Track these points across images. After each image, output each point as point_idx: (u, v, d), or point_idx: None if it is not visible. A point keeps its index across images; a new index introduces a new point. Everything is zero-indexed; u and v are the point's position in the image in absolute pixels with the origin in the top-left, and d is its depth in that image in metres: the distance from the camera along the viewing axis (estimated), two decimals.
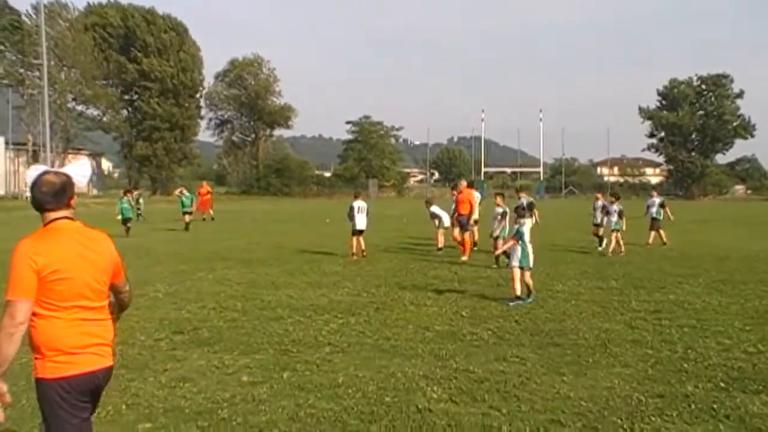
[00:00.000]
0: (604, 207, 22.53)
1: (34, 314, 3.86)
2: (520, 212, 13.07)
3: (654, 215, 24.48)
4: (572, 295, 13.21)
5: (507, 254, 13.31)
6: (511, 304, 11.97)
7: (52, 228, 4.04)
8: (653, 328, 10.28)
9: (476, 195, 21.49)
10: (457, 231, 19.73)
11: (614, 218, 21.25)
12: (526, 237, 12.61)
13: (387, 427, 6.12)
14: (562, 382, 7.48)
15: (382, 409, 6.59)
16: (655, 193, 27.69)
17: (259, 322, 10.66)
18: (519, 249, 12.44)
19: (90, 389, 4.08)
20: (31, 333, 3.91)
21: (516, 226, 12.96)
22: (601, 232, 22.37)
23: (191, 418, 6.35)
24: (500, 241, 16.87)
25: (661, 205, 24.84)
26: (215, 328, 10.16)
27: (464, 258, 18.80)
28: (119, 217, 27.18)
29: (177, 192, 35.09)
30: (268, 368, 7.99)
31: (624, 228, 21.30)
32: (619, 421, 6.32)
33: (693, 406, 6.73)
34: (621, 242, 20.92)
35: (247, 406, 6.68)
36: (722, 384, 7.46)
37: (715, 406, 6.73)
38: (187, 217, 31.16)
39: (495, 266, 17.22)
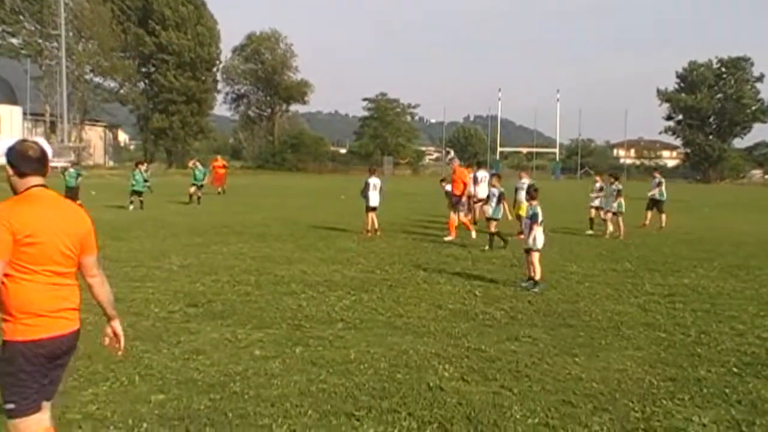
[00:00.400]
0: (601, 188, 22.01)
1: (6, 276, 3.92)
2: (533, 193, 12.87)
3: (657, 197, 24.12)
4: (586, 277, 13.19)
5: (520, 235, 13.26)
6: (527, 286, 11.77)
7: (31, 194, 4.13)
8: (667, 312, 10.26)
9: (481, 174, 21.83)
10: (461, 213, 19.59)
11: (613, 201, 20.78)
12: (540, 218, 12.24)
13: (398, 404, 6.15)
14: (574, 364, 7.48)
15: (393, 386, 6.62)
16: (657, 174, 26.91)
17: (272, 296, 10.70)
18: (537, 231, 12.06)
19: (57, 353, 4.16)
20: (2, 295, 3.96)
21: (530, 208, 12.60)
22: (594, 214, 21.80)
23: (204, 390, 6.40)
24: (494, 223, 17.12)
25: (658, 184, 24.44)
26: (229, 302, 10.22)
27: (449, 238, 18.53)
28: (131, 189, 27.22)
29: (191, 164, 35.04)
30: (280, 343, 8.04)
31: (623, 209, 20.77)
32: (631, 403, 6.32)
33: (705, 390, 6.73)
34: (621, 225, 20.35)
35: (259, 379, 6.73)
36: (735, 369, 7.45)
37: (727, 391, 6.73)
38: (194, 189, 31.00)
39: (488, 248, 16.80)
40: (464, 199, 19.69)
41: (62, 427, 5.51)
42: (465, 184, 19.51)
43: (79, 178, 25.30)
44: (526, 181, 20.24)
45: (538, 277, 11.85)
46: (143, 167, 28.98)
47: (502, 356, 7.69)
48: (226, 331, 8.49)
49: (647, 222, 23.41)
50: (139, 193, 27.01)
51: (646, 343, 8.41)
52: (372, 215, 19.25)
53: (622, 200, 20.81)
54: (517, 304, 10.48)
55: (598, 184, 22.31)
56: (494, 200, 17.53)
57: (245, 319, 9.15)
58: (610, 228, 20.50)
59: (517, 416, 5.96)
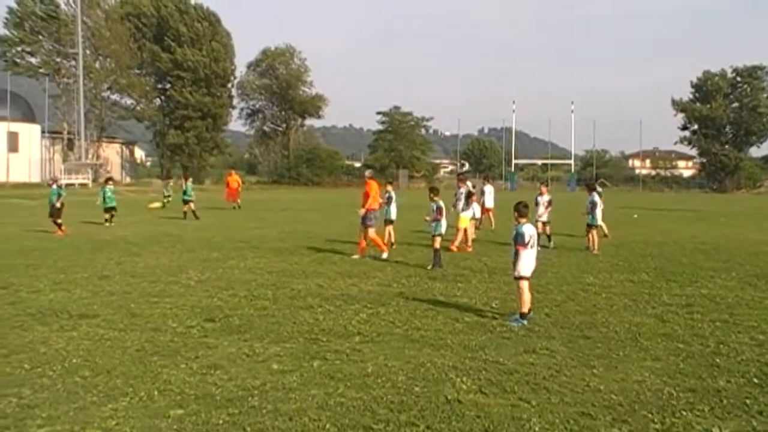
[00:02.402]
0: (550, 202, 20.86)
1: None
2: (522, 210, 10.63)
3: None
4: (603, 288, 13.14)
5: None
6: (513, 323, 9.95)
7: None
8: (685, 322, 10.20)
9: (488, 188, 23.11)
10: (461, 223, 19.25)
11: (587, 213, 19.77)
12: (526, 239, 10.29)
13: (416, 417, 6.14)
14: (592, 375, 7.45)
15: (411, 399, 6.61)
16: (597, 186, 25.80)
17: (289, 310, 10.73)
18: (522, 255, 10.25)
19: None
20: None
21: (515, 227, 10.58)
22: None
23: (222, 405, 6.42)
24: (437, 239, 15.93)
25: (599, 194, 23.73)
26: (246, 316, 10.25)
27: (355, 256, 17.41)
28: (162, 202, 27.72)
29: (181, 181, 35.42)
30: (298, 357, 8.05)
31: (596, 222, 19.68)
32: (650, 415, 6.29)
33: (725, 401, 6.68)
34: (595, 238, 19.37)
35: (277, 394, 6.74)
36: (755, 380, 7.40)
37: (747, 402, 6.68)
38: (186, 206, 31.22)
39: (432, 267, 15.62)
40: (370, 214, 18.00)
41: None
42: (368, 197, 17.84)
43: (62, 197, 23.54)
44: (547, 197, 20.40)
45: (524, 309, 10.11)
46: (168, 182, 29.27)
47: (519, 368, 7.67)
48: (243, 346, 8.52)
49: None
50: (112, 209, 26.78)
51: (665, 354, 8.36)
52: (389, 228, 19.27)
53: (597, 212, 19.67)
54: (534, 316, 10.43)
55: (545, 197, 20.76)
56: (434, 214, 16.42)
57: (263, 334, 9.18)
58: (593, 240, 19.39)
59: (536, 429, 5.94)
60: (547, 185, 19.93)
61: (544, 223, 20.17)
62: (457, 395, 6.75)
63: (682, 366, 7.87)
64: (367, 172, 19.22)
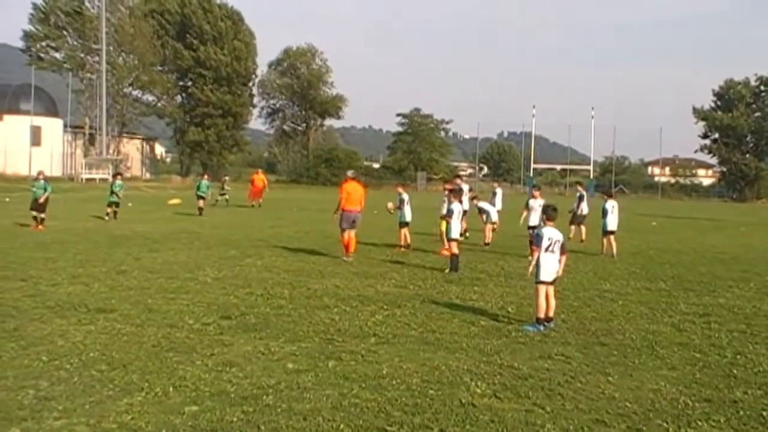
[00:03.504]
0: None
1: None
2: (550, 213, 10.63)
3: (579, 212, 23.49)
4: (619, 295, 13.09)
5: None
6: (529, 329, 9.87)
7: None
8: (702, 332, 10.13)
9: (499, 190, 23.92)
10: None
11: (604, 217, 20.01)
12: (545, 242, 10.17)
13: (430, 420, 6.15)
14: (607, 383, 7.42)
15: (425, 402, 6.61)
16: (579, 187, 25.86)
17: (305, 310, 10.75)
18: (540, 258, 10.16)
19: None
20: None
21: (537, 230, 10.61)
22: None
23: (237, 402, 6.45)
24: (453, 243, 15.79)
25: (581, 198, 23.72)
26: (262, 315, 10.29)
27: (345, 258, 16.88)
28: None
29: (200, 177, 35.79)
30: (313, 356, 8.07)
31: (609, 228, 19.82)
32: (665, 424, 6.26)
33: (741, 413, 6.64)
34: (613, 245, 19.56)
35: (291, 393, 6.76)
36: None
37: (764, 413, 6.63)
38: (200, 202, 31.68)
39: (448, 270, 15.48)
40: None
41: None
42: (341, 198, 17.32)
43: (47, 192, 23.24)
44: (540, 201, 20.33)
45: (540, 314, 10.03)
46: (206, 178, 29.96)
47: (534, 374, 7.65)
48: (259, 344, 8.55)
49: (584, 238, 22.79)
50: (116, 204, 27.03)
51: (681, 363, 8.32)
52: (405, 230, 19.27)
53: (609, 218, 19.91)
54: (552, 325, 10.41)
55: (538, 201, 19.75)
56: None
57: (278, 332, 9.21)
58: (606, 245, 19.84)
59: None
60: (539, 189, 19.85)
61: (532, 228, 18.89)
62: (472, 399, 6.75)
63: (698, 376, 7.82)
64: (349, 172, 18.70)
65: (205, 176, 34.98)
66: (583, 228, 23.11)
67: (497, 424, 6.10)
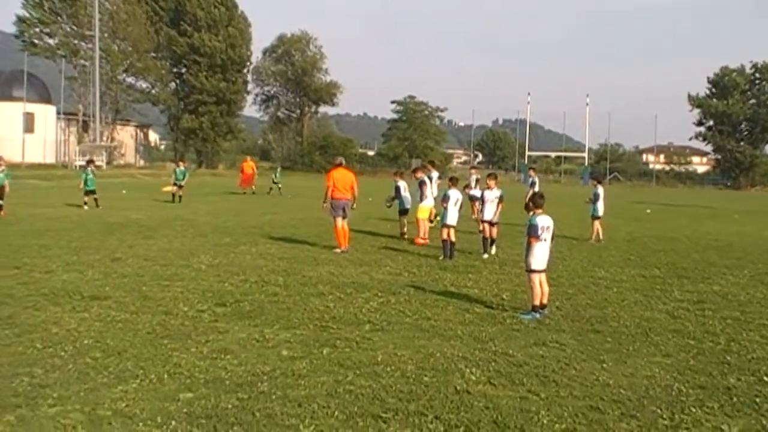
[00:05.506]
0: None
1: None
2: (537, 201, 10.50)
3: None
4: (614, 282, 13.11)
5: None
6: (525, 317, 9.84)
7: None
8: (696, 319, 10.16)
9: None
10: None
11: (595, 203, 20.28)
12: (539, 231, 10.14)
13: (425, 407, 6.15)
14: (601, 369, 7.44)
15: (420, 389, 6.62)
16: (531, 173, 26.44)
17: (300, 297, 10.75)
18: (534, 247, 10.16)
19: None
20: None
21: (529, 218, 10.46)
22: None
23: (231, 389, 6.45)
24: (446, 230, 15.61)
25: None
26: (257, 302, 10.28)
27: (336, 250, 16.37)
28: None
29: (173, 165, 35.56)
30: (308, 344, 8.07)
31: (600, 213, 20.24)
32: (659, 410, 6.28)
33: (735, 399, 6.66)
34: (600, 231, 19.96)
35: (286, 380, 6.76)
36: (766, 378, 7.37)
37: (757, 400, 6.66)
38: (175, 188, 31.28)
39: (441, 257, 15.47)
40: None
41: (92, 424, 5.59)
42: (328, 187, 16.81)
43: (7, 179, 23.75)
44: (536, 179, 20.44)
45: (536, 302, 10.01)
46: (92, 167, 28.54)
47: (529, 361, 7.67)
48: (253, 331, 8.55)
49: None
50: (92, 192, 26.53)
51: (675, 350, 8.34)
52: (404, 219, 19.30)
53: (599, 204, 20.25)
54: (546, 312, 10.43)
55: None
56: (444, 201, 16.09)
57: (273, 320, 9.21)
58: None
59: (544, 421, 5.94)
60: (535, 170, 20.03)
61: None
62: (466, 386, 6.76)
63: (692, 363, 7.85)
64: (337, 159, 18.00)
65: (181, 163, 34.63)
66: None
67: (492, 411, 6.11)
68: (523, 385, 6.87)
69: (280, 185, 40.12)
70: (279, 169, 43.34)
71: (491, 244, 16.20)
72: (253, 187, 39.25)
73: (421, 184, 19.13)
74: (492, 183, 16.39)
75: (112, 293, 10.55)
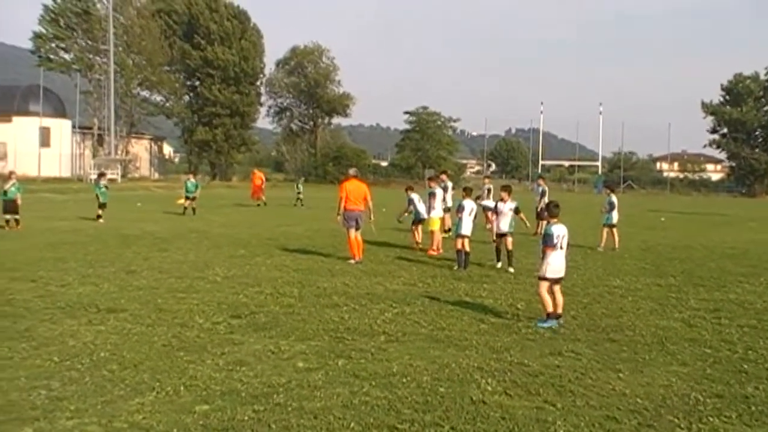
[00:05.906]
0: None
1: None
2: (552, 210, 10.57)
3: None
4: (629, 291, 13.06)
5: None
6: (542, 325, 9.89)
7: None
8: (712, 327, 10.11)
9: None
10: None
11: (609, 212, 20.42)
12: (554, 240, 10.16)
13: (441, 418, 6.15)
14: (617, 379, 7.41)
15: (436, 400, 6.62)
16: (541, 182, 26.46)
17: (315, 308, 10.77)
18: (548, 256, 10.18)
19: None
20: None
21: (546, 226, 10.63)
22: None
23: (247, 401, 6.46)
24: (460, 240, 15.56)
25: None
26: (272, 314, 10.30)
27: (351, 261, 16.43)
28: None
29: (185, 178, 35.51)
30: (323, 355, 8.08)
31: (614, 221, 20.40)
32: (676, 420, 6.25)
33: (753, 408, 6.62)
34: (616, 239, 20.12)
35: (302, 391, 6.77)
36: None
37: None
38: (187, 201, 31.14)
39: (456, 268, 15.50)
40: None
41: None
42: (341, 198, 16.76)
43: (19, 192, 23.47)
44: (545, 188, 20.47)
45: (549, 309, 10.04)
46: (104, 180, 28.52)
47: (545, 371, 7.65)
48: (269, 343, 8.57)
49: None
50: (103, 206, 26.53)
51: (692, 359, 8.30)
52: (418, 227, 19.31)
53: (614, 213, 20.43)
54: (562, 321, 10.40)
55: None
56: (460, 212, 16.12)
57: (288, 331, 9.22)
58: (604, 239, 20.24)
59: None
60: (545, 179, 20.19)
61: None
62: (482, 396, 6.75)
63: (709, 371, 7.81)
64: (351, 170, 17.98)
65: (192, 176, 34.68)
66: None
67: (508, 422, 6.10)
68: (539, 395, 6.85)
69: (301, 196, 40.37)
70: (302, 179, 43.47)
71: (509, 264, 15.93)
72: (263, 197, 39.31)
73: (431, 195, 19.16)
74: (506, 195, 16.26)
75: (127, 306, 10.60)
